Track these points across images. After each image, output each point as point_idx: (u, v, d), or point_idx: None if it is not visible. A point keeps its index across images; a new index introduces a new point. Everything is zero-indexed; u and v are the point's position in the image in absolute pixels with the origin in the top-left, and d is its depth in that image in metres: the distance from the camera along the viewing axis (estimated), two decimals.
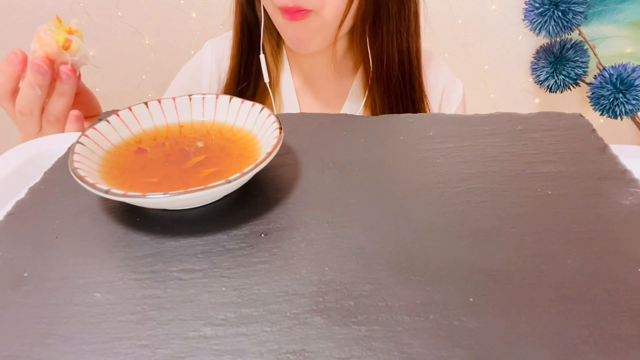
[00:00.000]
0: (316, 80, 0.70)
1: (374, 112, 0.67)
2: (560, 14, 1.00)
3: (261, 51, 0.66)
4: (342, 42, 0.67)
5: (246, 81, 0.67)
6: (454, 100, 0.73)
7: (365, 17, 0.61)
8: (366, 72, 0.66)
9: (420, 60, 0.66)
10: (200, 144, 0.38)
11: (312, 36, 0.59)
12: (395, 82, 0.65)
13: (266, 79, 0.66)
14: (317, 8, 0.56)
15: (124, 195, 0.30)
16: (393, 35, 0.62)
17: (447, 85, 0.73)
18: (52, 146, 0.45)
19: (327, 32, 0.60)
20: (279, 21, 0.59)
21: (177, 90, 0.74)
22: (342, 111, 0.70)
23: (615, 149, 0.38)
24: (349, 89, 0.69)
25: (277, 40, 0.68)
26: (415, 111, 0.67)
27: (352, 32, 0.65)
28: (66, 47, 0.52)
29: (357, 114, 0.68)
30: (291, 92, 0.69)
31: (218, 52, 0.73)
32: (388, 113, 0.65)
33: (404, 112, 0.66)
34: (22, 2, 1.08)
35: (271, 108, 0.68)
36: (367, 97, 0.67)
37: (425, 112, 0.68)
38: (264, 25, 0.65)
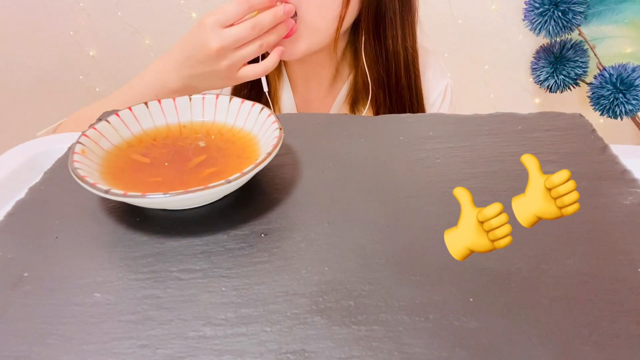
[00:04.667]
0: (314, 91, 0.70)
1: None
2: (560, 14, 1.00)
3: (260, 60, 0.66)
4: (337, 50, 0.67)
5: (251, 90, 0.67)
6: (439, 98, 0.72)
7: (368, 24, 0.61)
8: (356, 79, 0.66)
9: (418, 65, 0.66)
10: (200, 144, 0.38)
11: (298, 44, 0.58)
12: (401, 86, 0.65)
13: (265, 89, 0.66)
14: (296, 5, 0.55)
15: (124, 195, 0.30)
16: (398, 39, 0.62)
17: (435, 82, 0.72)
18: (52, 146, 0.45)
19: (314, 36, 0.59)
20: None
21: None
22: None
23: (615, 149, 0.38)
24: (340, 97, 0.69)
25: None
26: (416, 111, 0.67)
27: (353, 39, 0.65)
28: None
29: None
30: (290, 102, 0.70)
31: None
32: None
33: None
34: (23, 1, 1.08)
35: None
36: (370, 101, 0.66)
37: (423, 109, 0.68)
38: None
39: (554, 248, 0.29)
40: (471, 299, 0.26)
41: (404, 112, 0.66)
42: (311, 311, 0.26)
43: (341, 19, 0.58)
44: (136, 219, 0.33)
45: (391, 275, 0.28)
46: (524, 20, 1.06)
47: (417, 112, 0.67)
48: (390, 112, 0.65)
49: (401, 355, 0.23)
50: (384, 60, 0.63)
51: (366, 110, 0.67)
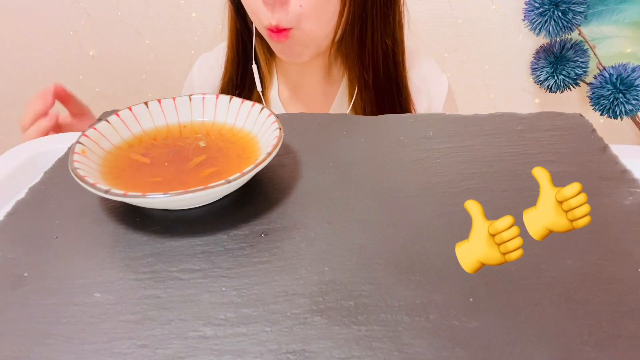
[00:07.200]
0: (303, 90, 0.71)
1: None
2: (560, 14, 1.00)
3: (254, 61, 0.68)
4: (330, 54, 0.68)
5: (242, 90, 0.69)
6: (437, 97, 0.72)
7: (352, 28, 0.62)
8: (350, 79, 0.67)
9: (405, 65, 0.67)
10: (200, 144, 0.38)
11: (301, 49, 0.60)
12: (382, 87, 0.65)
13: (259, 88, 0.68)
14: (295, 25, 0.56)
15: (124, 195, 0.30)
16: (378, 43, 0.63)
17: (432, 83, 0.72)
18: (52, 146, 0.45)
19: (317, 43, 0.61)
20: (267, 37, 0.61)
21: None
22: None
23: (615, 149, 0.38)
24: (335, 97, 0.70)
25: (269, 49, 0.69)
26: (402, 112, 0.67)
27: (339, 42, 0.65)
28: None
29: None
30: (276, 102, 0.70)
31: (206, 67, 0.75)
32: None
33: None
34: (22, 1, 1.08)
35: None
36: (352, 103, 0.67)
37: (408, 103, 0.68)
38: (257, 35, 0.65)
39: (554, 248, 0.29)
40: (471, 299, 0.26)
41: (392, 106, 0.66)
42: (311, 311, 0.26)
43: (337, 26, 0.59)
44: (136, 219, 0.33)
45: (391, 275, 0.28)
46: (524, 20, 1.06)
47: (402, 104, 0.67)
48: (375, 106, 0.66)
49: (401, 355, 0.23)
50: (366, 58, 0.64)
51: (350, 108, 0.67)
